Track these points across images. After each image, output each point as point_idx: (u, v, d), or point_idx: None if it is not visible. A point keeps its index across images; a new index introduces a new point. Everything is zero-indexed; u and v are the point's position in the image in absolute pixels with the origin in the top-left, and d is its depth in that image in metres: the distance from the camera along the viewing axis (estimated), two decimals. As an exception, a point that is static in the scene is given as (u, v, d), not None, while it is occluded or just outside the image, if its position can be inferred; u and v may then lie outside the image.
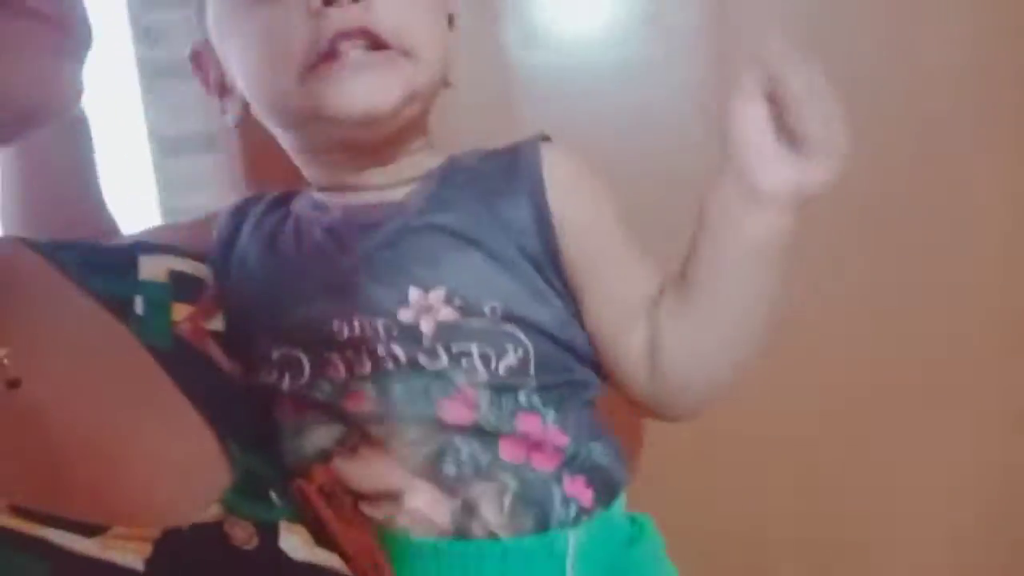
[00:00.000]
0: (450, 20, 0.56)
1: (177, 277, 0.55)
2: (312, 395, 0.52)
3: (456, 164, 0.56)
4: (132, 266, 0.54)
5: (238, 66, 0.53)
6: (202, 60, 0.56)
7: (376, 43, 0.49)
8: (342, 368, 0.52)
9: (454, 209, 0.53)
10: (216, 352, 0.54)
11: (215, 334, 0.54)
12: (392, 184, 0.54)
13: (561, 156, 0.54)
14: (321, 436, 0.52)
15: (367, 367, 0.51)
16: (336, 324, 0.51)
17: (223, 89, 0.56)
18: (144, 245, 0.55)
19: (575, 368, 0.54)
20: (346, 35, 0.49)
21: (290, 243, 0.56)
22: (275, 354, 0.53)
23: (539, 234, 0.52)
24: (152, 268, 0.54)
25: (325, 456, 0.52)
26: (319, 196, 0.57)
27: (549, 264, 0.53)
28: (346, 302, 0.52)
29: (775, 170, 0.47)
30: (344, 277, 0.52)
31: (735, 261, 0.50)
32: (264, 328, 0.54)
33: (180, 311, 0.53)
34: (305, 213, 0.56)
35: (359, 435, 0.51)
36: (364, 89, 0.50)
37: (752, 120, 0.47)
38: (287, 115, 0.52)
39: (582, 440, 0.53)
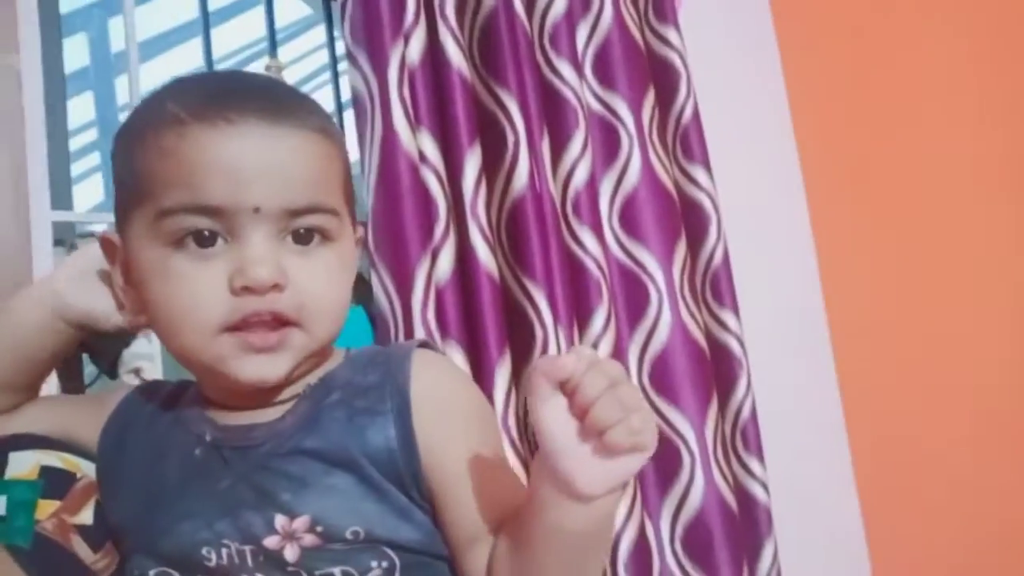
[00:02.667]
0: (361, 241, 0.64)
1: (47, 472, 0.57)
2: None
3: (330, 383, 0.60)
4: (2, 464, 0.57)
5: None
6: (112, 251, 0.61)
7: (279, 320, 0.55)
8: None
9: (323, 432, 0.57)
10: (81, 548, 0.56)
11: (81, 528, 0.57)
12: (271, 404, 0.59)
13: (432, 373, 0.59)
14: None
15: None
16: (205, 551, 0.55)
17: (127, 276, 0.60)
18: (16, 441, 0.58)
19: (444, 571, 0.58)
20: (257, 316, 0.55)
21: (173, 459, 0.59)
22: (151, 573, 0.56)
23: (404, 456, 0.56)
24: (22, 465, 0.57)
25: None
26: (205, 410, 0.60)
27: (412, 483, 0.56)
28: (216, 528, 0.55)
29: (586, 470, 0.48)
30: (217, 500, 0.56)
31: (553, 540, 0.52)
32: (141, 548, 0.56)
33: (46, 508, 0.56)
34: (191, 425, 0.60)
35: None
36: (257, 366, 0.56)
37: (556, 420, 0.48)
38: (190, 362, 0.57)
39: None
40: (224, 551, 0.55)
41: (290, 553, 0.54)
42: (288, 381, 0.59)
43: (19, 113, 0.92)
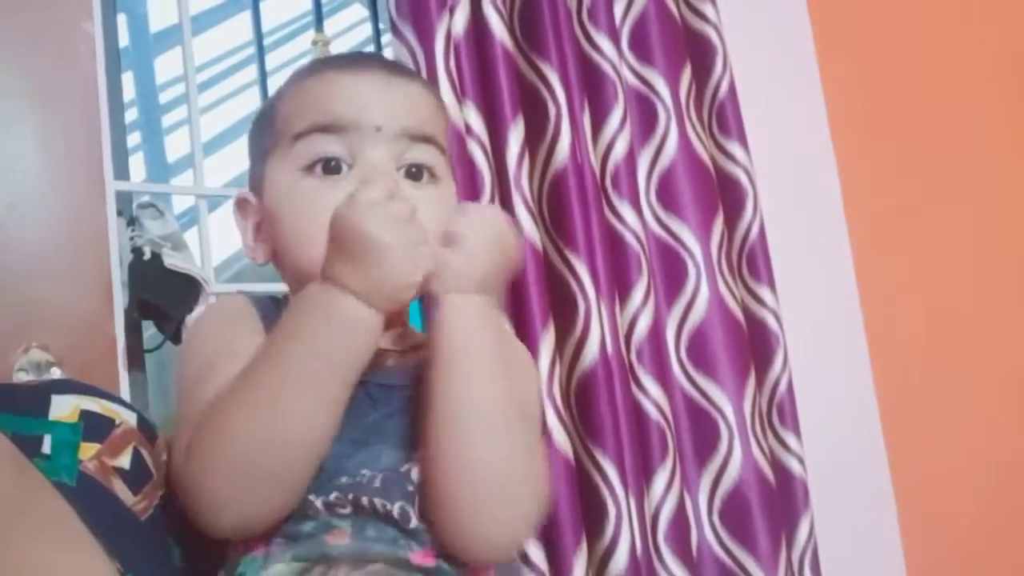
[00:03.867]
0: None
1: (87, 416, 0.59)
2: (295, 529, 0.56)
3: None
4: (45, 405, 0.58)
5: (284, 229, 0.61)
6: (246, 208, 0.66)
7: None
8: (322, 508, 0.57)
9: None
10: (121, 489, 0.58)
11: (119, 471, 0.59)
12: (402, 349, 0.62)
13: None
14: (281, 571, 0.55)
15: (348, 509, 0.56)
16: (345, 480, 0.56)
17: (257, 232, 0.65)
18: (58, 385, 0.60)
19: None
20: None
21: None
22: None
23: None
24: (63, 407, 0.59)
25: None
26: None
27: None
28: (359, 457, 0.57)
29: None
30: (362, 431, 0.58)
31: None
32: None
33: (87, 450, 0.58)
34: None
35: (321, 571, 0.55)
36: None
37: None
38: (311, 278, 0.58)
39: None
40: (359, 479, 0.57)
41: (413, 487, 0.57)
42: (401, 319, 0.63)
43: (94, 80, 0.93)
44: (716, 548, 1.37)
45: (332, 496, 0.56)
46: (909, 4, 1.60)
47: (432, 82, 1.12)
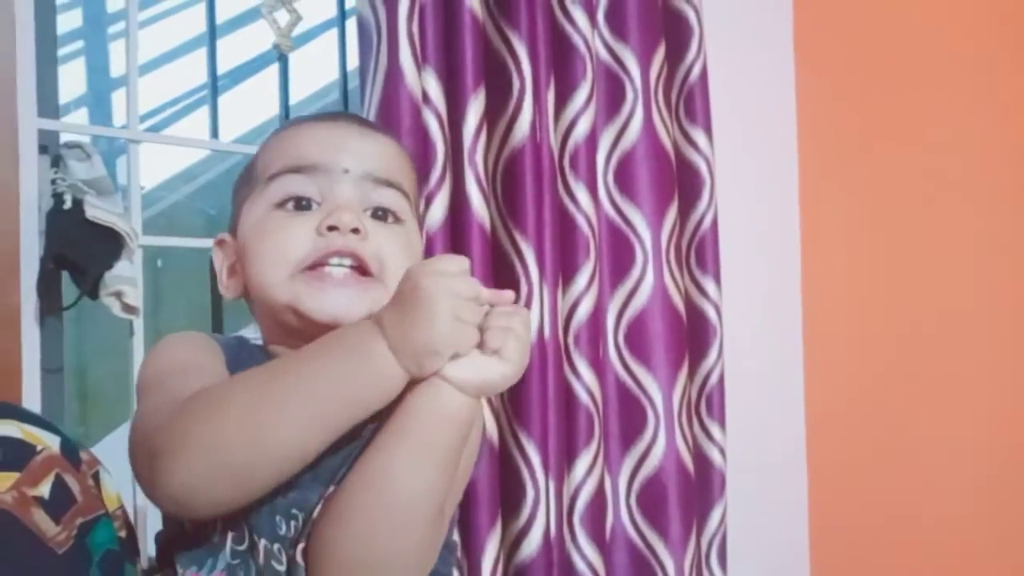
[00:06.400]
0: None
1: (5, 442, 0.57)
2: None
3: None
4: None
5: (250, 256, 0.66)
6: (223, 247, 0.71)
7: (360, 267, 0.63)
8: (262, 557, 0.59)
9: None
10: (43, 520, 0.57)
11: (39, 500, 0.57)
12: None
13: None
14: None
15: (284, 564, 0.59)
16: (278, 519, 0.60)
17: (232, 271, 0.69)
18: None
19: None
20: (339, 254, 0.63)
21: None
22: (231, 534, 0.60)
23: None
24: None
25: None
26: None
27: None
28: (290, 496, 0.59)
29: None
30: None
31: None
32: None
33: (5, 480, 0.56)
34: None
35: None
36: (339, 301, 0.63)
37: None
38: (270, 302, 0.63)
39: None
40: (293, 523, 0.59)
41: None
42: None
43: (10, 12, 0.84)
44: (630, 530, 1.40)
45: (275, 546, 0.59)
46: (893, 14, 1.56)
47: (392, 44, 1.06)
